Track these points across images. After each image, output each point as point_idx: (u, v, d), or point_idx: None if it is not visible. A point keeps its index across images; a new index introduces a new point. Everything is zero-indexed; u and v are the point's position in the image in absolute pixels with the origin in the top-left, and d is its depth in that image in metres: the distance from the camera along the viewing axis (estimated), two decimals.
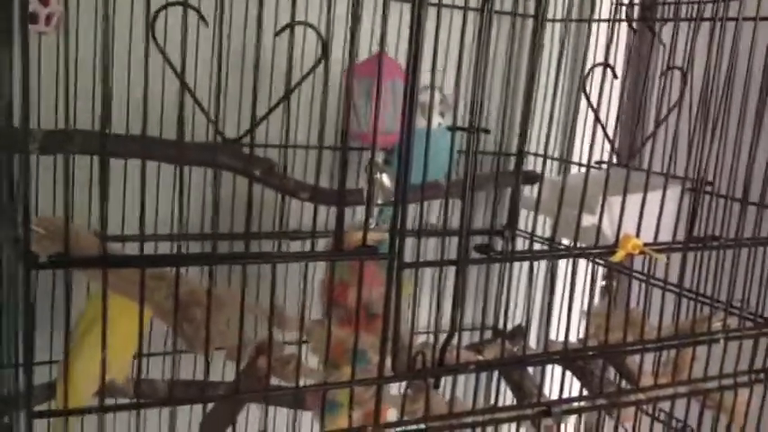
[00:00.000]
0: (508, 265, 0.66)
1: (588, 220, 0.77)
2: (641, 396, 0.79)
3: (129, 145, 0.83)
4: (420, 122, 0.99)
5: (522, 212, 1.09)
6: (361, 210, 1.13)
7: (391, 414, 0.81)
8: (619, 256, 0.67)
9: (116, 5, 0.49)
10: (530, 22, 1.21)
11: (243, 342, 0.80)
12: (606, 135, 0.63)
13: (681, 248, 0.73)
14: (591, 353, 0.75)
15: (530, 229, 0.69)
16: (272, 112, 0.56)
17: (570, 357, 0.67)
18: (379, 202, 0.94)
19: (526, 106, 0.63)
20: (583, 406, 0.70)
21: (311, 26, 0.54)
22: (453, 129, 0.60)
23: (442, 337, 0.62)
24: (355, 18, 0.55)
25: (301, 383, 0.62)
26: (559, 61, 0.60)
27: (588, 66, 0.66)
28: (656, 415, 0.95)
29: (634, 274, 0.97)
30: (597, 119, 0.62)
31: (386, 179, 0.95)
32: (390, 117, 0.93)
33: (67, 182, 0.51)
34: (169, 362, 1.03)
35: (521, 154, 0.62)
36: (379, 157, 0.97)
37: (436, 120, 1.05)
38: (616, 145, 0.73)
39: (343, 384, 0.65)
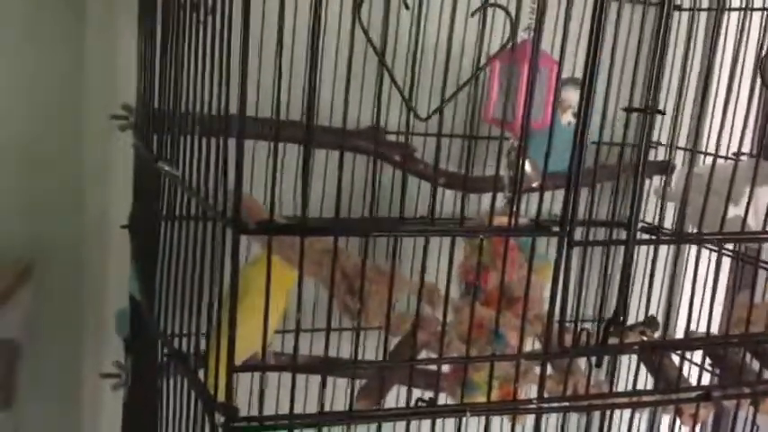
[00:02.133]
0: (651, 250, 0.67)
1: (732, 212, 0.77)
2: None
3: (291, 130, 0.87)
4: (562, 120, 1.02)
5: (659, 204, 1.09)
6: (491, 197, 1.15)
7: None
8: None
9: None
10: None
11: (401, 316, 0.84)
12: None
13: None
14: (736, 341, 0.75)
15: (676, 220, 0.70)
16: (458, 92, 0.58)
17: (729, 344, 0.67)
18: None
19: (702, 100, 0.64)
20: (738, 392, 0.70)
21: (502, 8, 0.57)
22: (629, 110, 0.62)
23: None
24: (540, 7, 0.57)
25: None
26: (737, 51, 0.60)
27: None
28: None
29: None
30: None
31: (527, 166, 0.97)
32: (534, 105, 0.95)
33: (275, 165, 0.54)
34: (306, 340, 1.08)
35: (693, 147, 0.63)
36: (516, 144, 0.98)
37: (566, 119, 1.07)
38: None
39: (509, 357, 0.67)
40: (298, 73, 0.67)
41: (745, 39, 0.64)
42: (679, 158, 1.26)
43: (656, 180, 1.19)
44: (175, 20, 0.65)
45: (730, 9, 0.95)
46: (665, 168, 1.13)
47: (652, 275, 0.65)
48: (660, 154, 1.25)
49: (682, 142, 1.22)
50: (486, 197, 1.17)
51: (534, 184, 0.99)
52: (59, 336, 1.22)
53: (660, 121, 1.16)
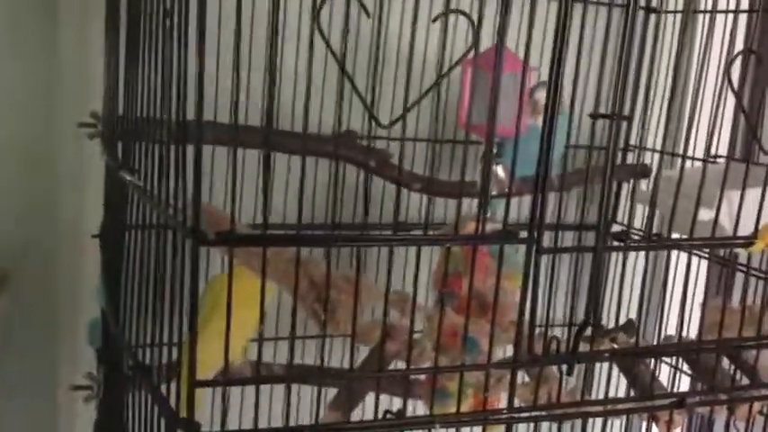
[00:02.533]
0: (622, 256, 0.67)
1: (706, 214, 0.77)
2: (761, 393, 0.78)
3: (253, 136, 0.86)
4: (534, 120, 1.01)
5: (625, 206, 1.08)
6: (470, 202, 1.14)
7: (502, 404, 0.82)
8: (758, 247, 0.66)
9: None
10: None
11: (372, 325, 0.83)
12: (750, 126, 0.63)
13: None
14: (713, 346, 0.75)
15: (641, 225, 0.70)
16: (422, 99, 0.58)
17: (702, 350, 0.66)
18: (494, 193, 0.94)
19: (645, 99, 0.63)
20: (712, 399, 0.70)
21: (464, 14, 0.56)
22: (595, 116, 0.61)
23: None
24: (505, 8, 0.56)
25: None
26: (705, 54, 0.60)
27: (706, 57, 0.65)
28: None
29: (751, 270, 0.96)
30: (742, 109, 0.61)
31: (500, 171, 0.96)
32: (503, 110, 0.94)
33: (235, 171, 0.53)
34: (283, 348, 1.07)
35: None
36: (494, 150, 0.97)
37: (539, 120, 1.06)
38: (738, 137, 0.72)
39: (478, 367, 0.66)
40: (258, 78, 0.66)
41: (713, 41, 0.63)
42: (655, 161, 1.26)
43: (632, 183, 1.18)
44: (136, 26, 0.64)
45: (697, 11, 0.95)
46: (640, 172, 1.13)
47: (622, 280, 0.65)
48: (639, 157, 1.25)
49: (658, 145, 1.21)
50: (465, 202, 1.16)
51: (506, 189, 0.98)
52: (34, 346, 1.20)
53: (637, 122, 1.16)
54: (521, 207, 1.19)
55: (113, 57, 0.78)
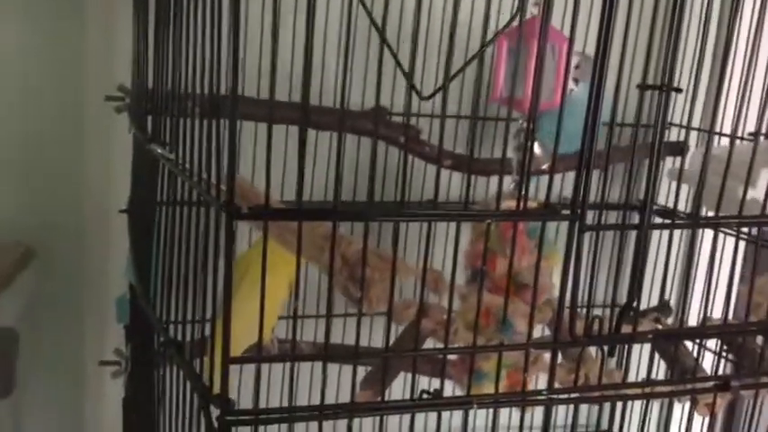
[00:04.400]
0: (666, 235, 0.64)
1: (751, 194, 0.74)
2: None
3: (285, 112, 0.84)
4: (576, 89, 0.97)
5: (673, 186, 1.05)
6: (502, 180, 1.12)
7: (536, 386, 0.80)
8: None
9: None
10: None
11: (405, 304, 0.81)
12: None
13: None
14: (756, 328, 0.72)
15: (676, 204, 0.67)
16: (462, 70, 0.56)
17: (747, 332, 0.64)
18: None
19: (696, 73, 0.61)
20: (758, 381, 0.68)
21: None
22: (643, 87, 0.59)
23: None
24: None
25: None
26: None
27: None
28: None
29: None
30: None
31: (536, 147, 0.93)
32: (544, 84, 0.91)
33: (269, 147, 0.52)
34: (310, 326, 1.06)
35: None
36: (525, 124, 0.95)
37: (569, 86, 1.02)
38: None
39: (517, 347, 0.64)
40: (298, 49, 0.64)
41: (763, 16, 0.61)
42: (693, 139, 1.22)
43: (669, 162, 1.15)
44: None
45: None
46: (680, 149, 1.10)
47: (667, 260, 0.63)
48: (674, 135, 1.22)
49: (696, 122, 1.18)
50: (495, 180, 1.14)
51: (544, 166, 0.96)
52: (61, 322, 1.20)
53: (674, 100, 1.13)
54: (556, 185, 1.16)
55: (142, 28, 0.77)
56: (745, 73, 0.64)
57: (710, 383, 0.64)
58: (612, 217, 1.06)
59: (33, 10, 1.11)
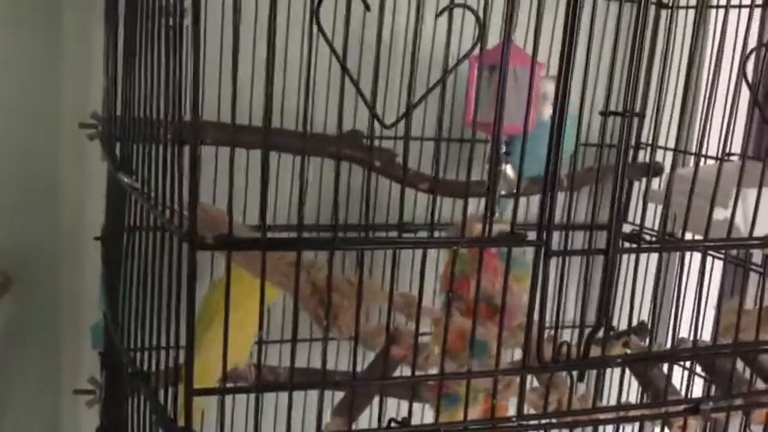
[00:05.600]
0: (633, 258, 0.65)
1: (721, 214, 0.74)
2: None
3: (252, 136, 0.84)
4: (544, 114, 0.98)
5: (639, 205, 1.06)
6: (478, 202, 1.12)
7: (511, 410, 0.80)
8: None
9: None
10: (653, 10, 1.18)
11: (377, 330, 0.81)
12: (766, 122, 0.60)
13: None
14: (728, 350, 0.72)
15: (652, 224, 0.67)
16: (426, 96, 0.56)
17: (717, 354, 0.64)
18: (503, 193, 0.92)
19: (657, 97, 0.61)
20: (729, 405, 0.68)
21: (469, 8, 0.54)
22: (606, 114, 0.59)
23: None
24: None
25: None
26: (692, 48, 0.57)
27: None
28: None
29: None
30: (757, 105, 0.59)
31: (509, 170, 0.94)
32: (511, 107, 0.92)
33: (232, 173, 0.52)
34: (287, 350, 1.05)
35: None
36: (502, 149, 0.95)
37: (547, 112, 1.03)
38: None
39: (485, 373, 0.64)
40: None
41: (726, 37, 0.61)
42: (668, 160, 1.23)
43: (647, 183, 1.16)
44: (133, 26, 0.63)
45: (711, 6, 0.92)
46: (652, 170, 1.11)
47: (634, 282, 0.63)
48: (657, 156, 1.22)
49: (671, 143, 1.19)
50: (472, 202, 1.14)
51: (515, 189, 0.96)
52: (37, 349, 1.19)
53: (649, 120, 1.14)
54: (530, 207, 1.17)
55: (112, 57, 0.77)
56: (708, 92, 0.65)
57: (681, 407, 0.64)
58: (581, 238, 1.06)
59: (9, 36, 1.11)
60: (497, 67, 0.91)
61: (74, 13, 1.10)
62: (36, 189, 1.15)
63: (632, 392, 0.80)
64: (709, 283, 1.01)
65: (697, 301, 0.66)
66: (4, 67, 1.12)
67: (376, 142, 1.02)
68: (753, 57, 0.64)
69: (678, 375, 0.99)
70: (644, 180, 1.15)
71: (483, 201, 0.98)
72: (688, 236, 0.68)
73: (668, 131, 1.18)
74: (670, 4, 0.97)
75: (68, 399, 1.14)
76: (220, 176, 0.90)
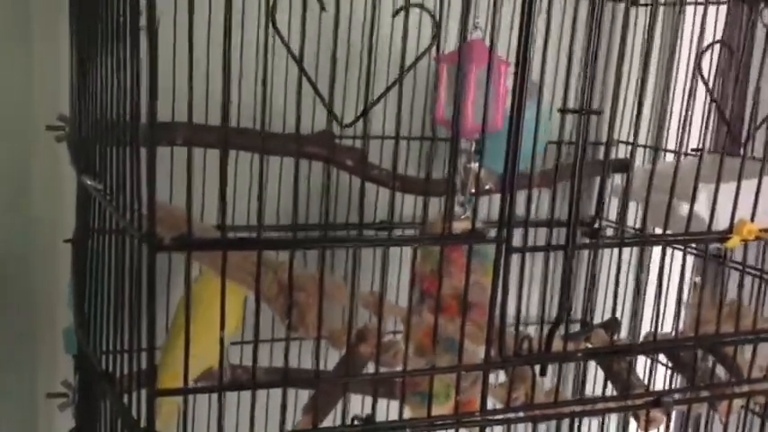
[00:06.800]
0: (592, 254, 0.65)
1: (684, 208, 0.75)
2: (742, 389, 0.77)
3: (215, 136, 0.84)
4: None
5: (613, 202, 1.07)
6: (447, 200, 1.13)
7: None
8: (733, 242, 0.65)
9: None
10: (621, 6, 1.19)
11: (344, 329, 0.81)
12: (724, 119, 0.61)
13: None
14: (689, 343, 0.73)
15: (618, 219, 0.68)
16: (384, 95, 0.56)
17: (679, 347, 0.65)
18: (473, 191, 0.93)
19: (615, 91, 0.62)
20: (691, 397, 0.68)
21: (425, 9, 0.54)
22: (564, 111, 0.60)
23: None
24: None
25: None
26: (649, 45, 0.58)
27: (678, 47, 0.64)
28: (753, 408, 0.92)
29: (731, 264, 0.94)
30: (714, 101, 0.60)
31: (476, 168, 0.94)
32: (479, 106, 0.92)
33: (190, 172, 0.52)
34: (264, 351, 1.05)
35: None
36: (471, 147, 0.96)
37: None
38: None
39: (448, 369, 0.64)
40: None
41: (683, 33, 0.62)
42: (641, 156, 1.24)
43: (617, 178, 1.17)
44: (93, 27, 0.63)
45: (666, 4, 0.93)
46: (625, 166, 1.12)
47: (593, 276, 0.63)
48: (621, 152, 1.24)
49: (642, 140, 1.20)
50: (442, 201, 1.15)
51: (487, 186, 0.97)
52: (11, 352, 1.18)
53: (621, 117, 1.15)
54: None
55: (76, 58, 0.77)
56: (665, 89, 0.66)
57: (643, 400, 0.65)
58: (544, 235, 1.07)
59: None
60: (454, 66, 0.92)
61: (43, 14, 1.10)
62: (8, 191, 1.15)
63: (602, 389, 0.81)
64: (681, 277, 1.02)
65: (658, 295, 0.66)
66: None
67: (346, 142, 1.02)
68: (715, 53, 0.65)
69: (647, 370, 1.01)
70: (618, 177, 1.16)
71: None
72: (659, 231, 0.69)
73: (648, 129, 1.20)
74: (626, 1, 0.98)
75: (44, 402, 1.14)
76: (178, 176, 0.91)
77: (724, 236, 0.65)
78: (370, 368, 0.85)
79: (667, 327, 0.92)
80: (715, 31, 0.81)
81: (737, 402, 0.78)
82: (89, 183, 0.64)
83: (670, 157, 1.14)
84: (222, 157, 0.52)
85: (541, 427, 0.72)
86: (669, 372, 1.01)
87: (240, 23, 0.96)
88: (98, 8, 0.62)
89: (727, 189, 0.71)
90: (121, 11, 0.54)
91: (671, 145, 1.12)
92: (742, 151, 0.68)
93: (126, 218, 0.55)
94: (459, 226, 0.64)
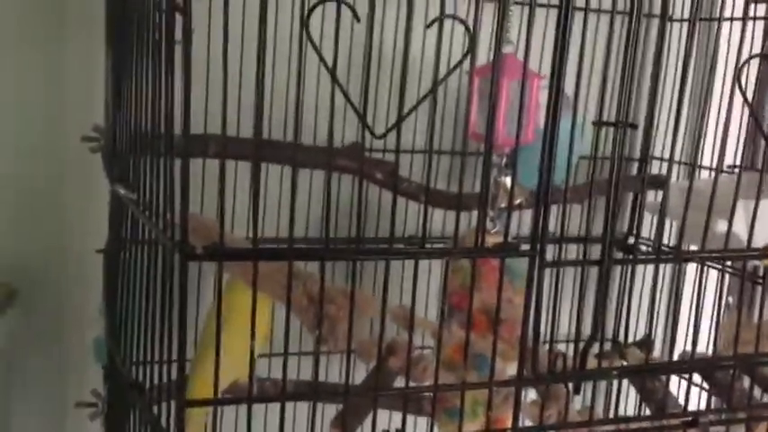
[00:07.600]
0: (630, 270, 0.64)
1: (721, 226, 0.74)
2: None
3: (247, 148, 0.84)
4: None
5: (646, 219, 1.05)
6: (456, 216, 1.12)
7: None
8: None
9: (267, 4, 0.50)
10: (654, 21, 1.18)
11: (373, 341, 0.81)
12: (763, 134, 0.60)
13: None
14: (727, 363, 0.71)
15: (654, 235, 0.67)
16: (417, 107, 0.56)
17: (718, 366, 0.64)
18: (503, 205, 0.92)
19: (650, 108, 0.61)
20: (728, 418, 0.67)
21: (460, 20, 0.54)
22: (599, 124, 0.59)
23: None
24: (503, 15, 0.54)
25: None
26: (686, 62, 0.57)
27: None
28: None
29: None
30: (754, 116, 0.59)
31: (509, 182, 0.93)
32: (510, 119, 0.92)
33: (222, 184, 0.52)
34: (292, 363, 1.05)
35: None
36: (501, 161, 0.95)
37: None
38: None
39: (480, 385, 0.64)
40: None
41: (719, 48, 0.61)
42: (679, 172, 1.23)
43: (651, 195, 1.15)
44: (129, 40, 0.64)
45: (703, 19, 0.92)
46: (660, 182, 1.10)
47: (630, 293, 0.62)
48: (656, 168, 1.22)
49: (678, 156, 1.18)
50: (473, 215, 1.14)
51: (518, 201, 0.96)
52: (42, 361, 1.19)
53: (656, 134, 1.13)
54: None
55: (113, 71, 0.78)
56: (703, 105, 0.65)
57: (679, 420, 0.64)
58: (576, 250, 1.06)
59: (12, 48, 1.13)
60: (487, 80, 0.92)
61: (77, 30, 1.12)
62: (41, 201, 1.16)
63: (637, 408, 0.80)
64: (718, 295, 1.00)
65: (696, 315, 0.65)
66: (9, 83, 1.13)
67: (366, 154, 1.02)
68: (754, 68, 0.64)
69: (684, 388, 0.99)
70: (652, 193, 1.15)
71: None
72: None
73: (683, 145, 1.18)
74: (665, 17, 0.97)
75: (73, 411, 1.14)
76: (209, 187, 0.91)
77: (763, 253, 0.64)
78: (399, 382, 0.84)
79: (701, 347, 0.91)
80: (752, 45, 0.80)
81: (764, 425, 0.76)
82: (122, 192, 0.65)
83: (705, 174, 1.12)
84: (254, 172, 0.52)
85: None
86: (702, 393, 0.99)
87: (273, 37, 0.97)
88: (134, 22, 0.62)
89: (766, 206, 0.70)
90: (157, 25, 0.54)
91: (705, 161, 1.10)
92: None
93: (159, 226, 0.55)
94: (490, 240, 0.63)
